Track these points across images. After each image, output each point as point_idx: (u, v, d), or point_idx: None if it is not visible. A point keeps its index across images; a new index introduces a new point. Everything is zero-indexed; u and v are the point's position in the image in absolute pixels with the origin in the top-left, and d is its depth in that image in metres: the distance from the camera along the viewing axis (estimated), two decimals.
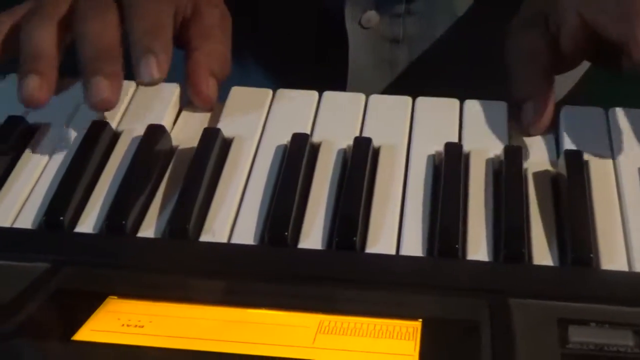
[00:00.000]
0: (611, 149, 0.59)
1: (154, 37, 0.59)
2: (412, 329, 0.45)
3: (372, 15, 0.77)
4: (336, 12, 0.76)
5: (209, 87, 0.63)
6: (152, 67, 0.58)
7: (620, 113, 0.61)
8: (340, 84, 0.78)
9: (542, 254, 0.52)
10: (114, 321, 0.46)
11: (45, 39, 0.59)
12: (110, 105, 0.58)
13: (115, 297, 0.48)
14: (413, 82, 0.79)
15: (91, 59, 0.58)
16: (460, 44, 0.78)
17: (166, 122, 0.62)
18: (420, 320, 0.46)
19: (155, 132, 0.60)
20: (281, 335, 0.45)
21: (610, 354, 0.45)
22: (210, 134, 0.59)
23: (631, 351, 0.45)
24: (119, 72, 0.59)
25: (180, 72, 0.63)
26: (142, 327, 0.45)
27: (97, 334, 0.45)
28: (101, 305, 0.47)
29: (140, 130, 0.60)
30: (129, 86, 0.64)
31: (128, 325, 0.45)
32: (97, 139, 0.59)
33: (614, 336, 0.46)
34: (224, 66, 0.65)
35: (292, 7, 0.78)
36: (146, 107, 0.63)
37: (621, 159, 0.58)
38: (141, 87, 0.64)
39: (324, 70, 0.76)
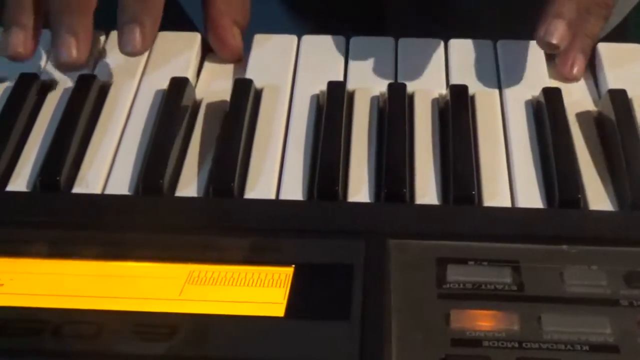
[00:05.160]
0: (498, 82, 0.58)
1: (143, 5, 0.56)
2: (284, 275, 0.44)
3: None
4: None
5: (234, 36, 0.60)
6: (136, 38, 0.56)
7: (508, 45, 0.60)
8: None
9: (424, 192, 0.51)
10: None
11: None
12: (80, 63, 0.56)
13: None
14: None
15: (58, 13, 0.56)
16: None
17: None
18: (293, 266, 0.45)
19: (27, 82, 0.57)
20: (148, 288, 0.43)
21: (487, 292, 0.44)
22: (86, 81, 0.57)
23: (508, 288, 0.44)
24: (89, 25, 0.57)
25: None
26: (2, 285, 0.43)
27: None
28: None
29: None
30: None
31: None
32: None
33: (492, 274, 0.45)
34: (245, 14, 0.61)
35: None
36: None
37: (508, 93, 0.57)
38: None
39: (356, 16, 0.73)
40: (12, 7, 0.57)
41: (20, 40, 0.56)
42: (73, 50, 0.56)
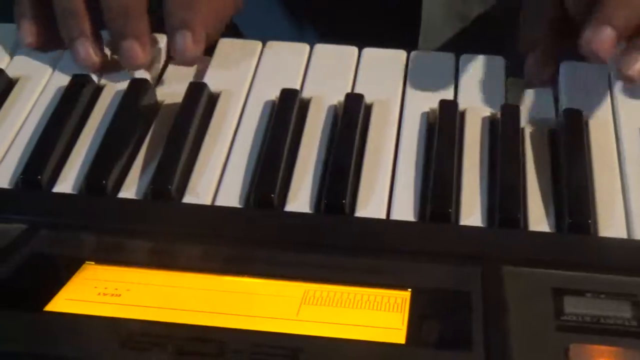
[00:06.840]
0: (613, 108, 0.57)
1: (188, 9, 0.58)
2: (400, 299, 0.43)
3: None
4: None
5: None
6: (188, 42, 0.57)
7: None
8: (409, 40, 0.75)
9: (538, 219, 0.50)
10: (90, 289, 0.44)
11: None
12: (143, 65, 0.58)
13: (93, 263, 0.46)
14: (481, 35, 0.75)
15: (117, 20, 0.57)
16: None
17: (151, 76, 0.60)
18: (410, 290, 0.44)
19: (139, 86, 0.57)
20: (264, 306, 0.43)
21: (606, 326, 0.43)
22: (196, 89, 0.57)
23: (629, 323, 0.43)
24: (147, 30, 0.58)
25: None
26: (119, 295, 0.43)
27: (71, 303, 0.43)
28: (77, 272, 0.45)
29: (123, 85, 0.58)
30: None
31: (104, 294, 0.43)
32: (79, 94, 0.57)
33: (611, 307, 0.44)
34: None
35: None
36: None
37: (623, 119, 0.56)
38: None
39: (393, 26, 0.73)
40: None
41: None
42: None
